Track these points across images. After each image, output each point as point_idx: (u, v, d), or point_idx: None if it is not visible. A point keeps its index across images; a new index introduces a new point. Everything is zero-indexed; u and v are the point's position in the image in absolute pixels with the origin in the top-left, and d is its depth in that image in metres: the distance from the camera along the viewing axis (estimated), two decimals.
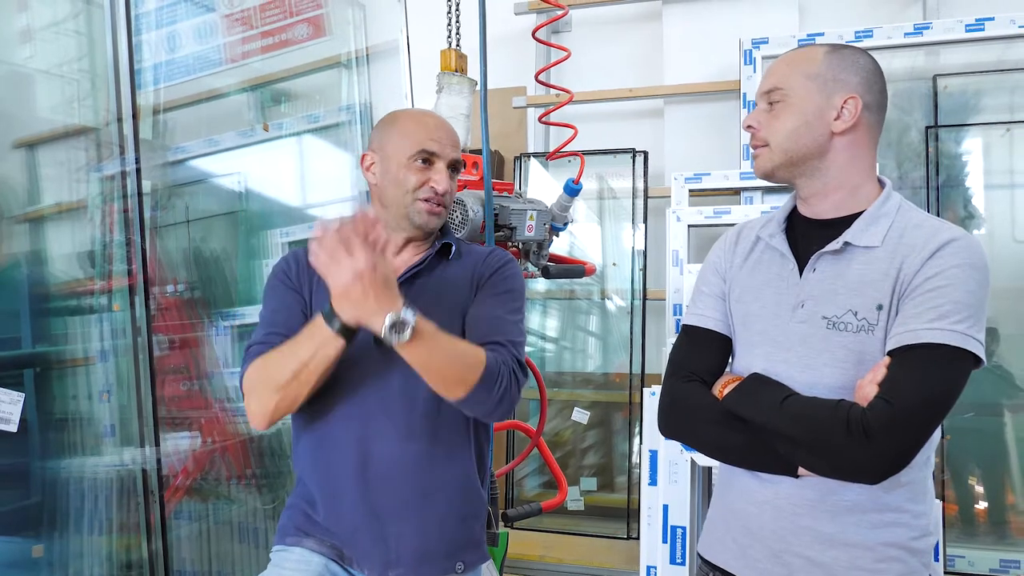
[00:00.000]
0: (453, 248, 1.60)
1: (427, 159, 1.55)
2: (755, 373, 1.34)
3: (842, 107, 1.31)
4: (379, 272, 1.25)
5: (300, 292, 1.55)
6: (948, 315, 1.18)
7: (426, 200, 1.54)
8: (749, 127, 1.38)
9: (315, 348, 1.35)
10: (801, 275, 1.34)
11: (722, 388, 1.35)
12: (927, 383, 1.18)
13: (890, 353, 1.21)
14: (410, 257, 1.59)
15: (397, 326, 1.26)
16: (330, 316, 1.31)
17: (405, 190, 1.54)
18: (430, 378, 1.37)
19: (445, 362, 1.36)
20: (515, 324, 1.53)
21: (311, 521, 1.52)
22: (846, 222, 1.32)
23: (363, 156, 1.60)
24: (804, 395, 1.26)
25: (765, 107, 1.36)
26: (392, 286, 1.29)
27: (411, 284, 1.53)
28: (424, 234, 1.59)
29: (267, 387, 1.39)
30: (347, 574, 1.52)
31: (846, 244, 1.30)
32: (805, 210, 1.39)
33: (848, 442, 1.17)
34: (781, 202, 1.58)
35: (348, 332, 1.32)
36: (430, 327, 1.32)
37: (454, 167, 1.59)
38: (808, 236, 1.36)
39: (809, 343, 1.29)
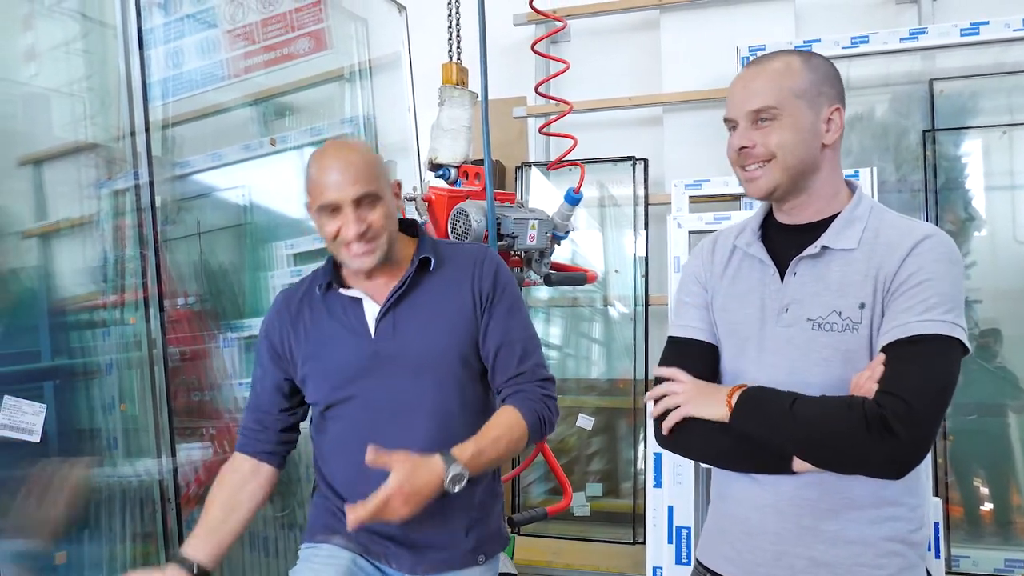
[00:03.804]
0: (432, 262, 1.57)
1: (333, 209, 1.48)
2: (748, 388, 1.31)
3: (829, 119, 1.33)
4: (408, 490, 1.35)
5: (281, 354, 1.61)
6: (935, 307, 1.21)
7: (348, 246, 1.49)
8: (743, 148, 1.35)
9: None
10: (782, 280, 1.35)
11: (728, 398, 1.31)
12: (930, 373, 1.20)
13: (885, 348, 1.23)
14: (389, 280, 1.57)
15: (456, 481, 1.38)
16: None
17: (329, 240, 1.51)
18: (497, 465, 1.56)
19: (502, 453, 1.50)
20: (533, 337, 1.61)
21: (339, 519, 1.54)
22: (820, 226, 1.34)
23: (308, 204, 1.55)
24: (809, 396, 1.25)
25: (748, 125, 1.34)
26: (427, 479, 1.38)
27: (398, 306, 1.54)
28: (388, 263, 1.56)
29: None
30: (375, 569, 1.57)
31: (824, 248, 1.32)
32: (783, 218, 1.41)
33: (869, 440, 1.17)
34: None
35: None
36: (473, 450, 1.42)
37: (366, 198, 1.48)
38: (784, 242, 1.38)
39: (796, 345, 1.31)
